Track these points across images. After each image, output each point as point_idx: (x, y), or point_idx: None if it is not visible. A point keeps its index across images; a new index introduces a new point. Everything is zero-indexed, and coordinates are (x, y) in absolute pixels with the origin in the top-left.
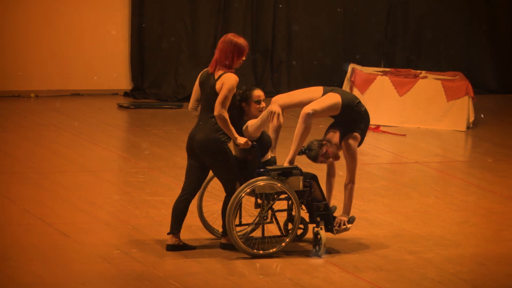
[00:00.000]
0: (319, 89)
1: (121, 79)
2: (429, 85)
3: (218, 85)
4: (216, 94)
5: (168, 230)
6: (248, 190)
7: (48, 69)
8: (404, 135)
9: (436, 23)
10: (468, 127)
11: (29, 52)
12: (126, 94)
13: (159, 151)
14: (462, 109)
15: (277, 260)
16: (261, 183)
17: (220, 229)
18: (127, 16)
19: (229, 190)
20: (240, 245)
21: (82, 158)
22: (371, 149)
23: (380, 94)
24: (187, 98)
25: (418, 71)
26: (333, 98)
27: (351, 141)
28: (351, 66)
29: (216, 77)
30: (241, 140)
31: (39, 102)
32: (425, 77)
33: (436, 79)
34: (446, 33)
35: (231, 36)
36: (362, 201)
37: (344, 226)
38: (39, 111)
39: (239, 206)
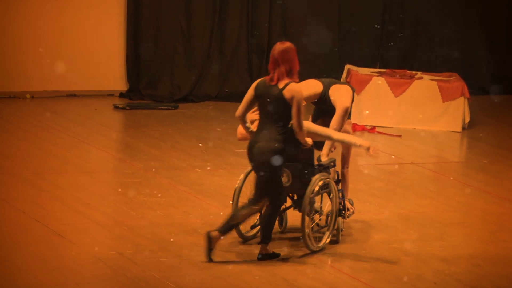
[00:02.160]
0: (316, 82)
1: (117, 80)
2: (424, 86)
3: (287, 95)
4: (285, 104)
5: (163, 232)
6: (321, 183)
7: (44, 70)
8: (400, 136)
9: (432, 23)
10: (463, 128)
11: (25, 53)
12: (121, 95)
13: (154, 152)
14: (458, 110)
15: (272, 261)
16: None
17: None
18: (123, 17)
19: (272, 200)
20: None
21: (78, 159)
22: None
23: (376, 95)
24: (182, 99)
25: (414, 72)
26: (350, 91)
27: (347, 127)
28: (346, 67)
29: (280, 86)
30: (309, 141)
31: (35, 103)
32: (421, 78)
33: (432, 80)
34: (441, 33)
35: (287, 44)
36: (358, 202)
37: (351, 210)
38: (35, 112)
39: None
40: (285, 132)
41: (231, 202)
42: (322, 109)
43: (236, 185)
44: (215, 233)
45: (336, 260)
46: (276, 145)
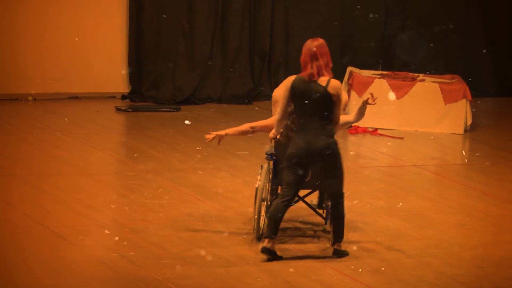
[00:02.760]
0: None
1: (119, 82)
2: (426, 88)
3: (332, 92)
4: (330, 100)
5: (165, 234)
6: None
7: (46, 72)
8: (402, 138)
9: (434, 26)
10: (465, 130)
11: (27, 55)
12: (123, 97)
13: (156, 154)
14: (460, 112)
15: (275, 262)
16: None
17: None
18: (125, 19)
19: (341, 189)
20: None
21: (80, 161)
22: (369, 152)
23: (378, 97)
24: (184, 101)
25: (416, 74)
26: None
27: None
28: (348, 69)
29: (323, 83)
30: None
31: (37, 105)
32: (423, 80)
33: (434, 82)
34: (443, 36)
35: (321, 40)
36: (360, 204)
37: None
38: (37, 114)
39: None
40: (331, 128)
41: (254, 202)
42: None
43: (257, 185)
44: (269, 244)
45: (339, 262)
46: (332, 140)
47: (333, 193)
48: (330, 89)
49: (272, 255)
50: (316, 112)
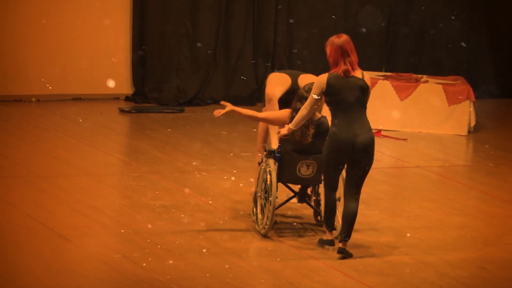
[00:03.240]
0: (283, 76)
1: (122, 84)
2: (430, 89)
3: (368, 83)
4: (368, 92)
5: (169, 235)
6: None
7: (49, 73)
8: (405, 139)
9: (437, 27)
10: (469, 132)
11: (30, 56)
12: (127, 98)
13: (160, 155)
14: (463, 114)
15: (278, 264)
16: None
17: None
18: (129, 20)
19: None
20: None
21: (83, 162)
22: None
23: (382, 99)
24: (187, 103)
25: (420, 76)
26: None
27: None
28: None
29: (360, 76)
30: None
31: (40, 107)
32: (426, 81)
33: (438, 83)
34: (447, 37)
35: (344, 36)
36: (363, 205)
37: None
38: (41, 115)
39: None
40: (367, 118)
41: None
42: (288, 100)
43: (269, 182)
44: (344, 244)
45: (342, 264)
46: (372, 133)
47: (358, 186)
48: (367, 81)
49: (347, 254)
50: (357, 104)
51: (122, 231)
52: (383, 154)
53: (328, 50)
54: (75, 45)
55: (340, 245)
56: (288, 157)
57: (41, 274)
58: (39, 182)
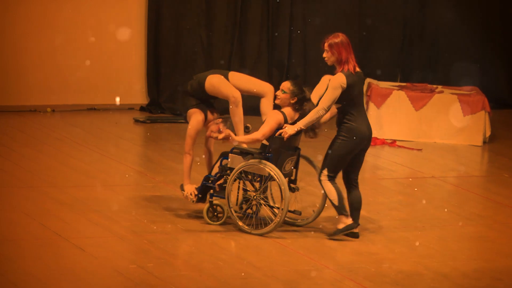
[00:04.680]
0: (222, 76)
1: (137, 94)
2: (445, 99)
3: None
4: None
5: (184, 246)
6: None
7: (65, 84)
8: (420, 149)
9: (452, 37)
10: (484, 142)
11: (45, 67)
12: (142, 108)
13: (174, 165)
14: (479, 124)
15: (293, 274)
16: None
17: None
18: (143, 31)
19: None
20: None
21: (98, 172)
22: (387, 164)
23: (396, 109)
24: None
25: (434, 86)
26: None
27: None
28: (367, 81)
29: (360, 71)
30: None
31: (56, 117)
32: (441, 91)
33: (452, 93)
34: (462, 47)
35: (342, 34)
36: (378, 216)
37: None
38: (56, 125)
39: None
40: None
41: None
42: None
43: (283, 188)
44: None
45: (357, 274)
46: None
47: (358, 173)
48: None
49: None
50: (362, 97)
51: (137, 241)
52: (398, 165)
53: (336, 50)
54: (90, 56)
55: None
56: (278, 155)
57: (56, 284)
58: (54, 192)
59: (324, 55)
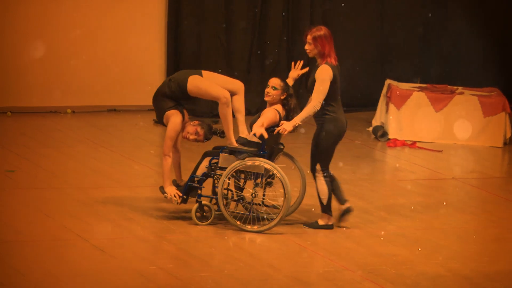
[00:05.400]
0: (200, 78)
1: None
2: (465, 101)
3: None
4: None
5: (204, 247)
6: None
7: (85, 85)
8: (441, 151)
9: (472, 38)
10: (505, 143)
11: (66, 68)
12: None
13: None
14: (499, 125)
15: (313, 276)
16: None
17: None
18: (163, 32)
19: None
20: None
21: (119, 173)
22: (408, 165)
23: (417, 110)
24: None
25: (455, 87)
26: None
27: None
28: (387, 82)
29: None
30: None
31: (76, 118)
32: (462, 93)
33: (473, 95)
34: (482, 48)
35: (324, 28)
36: (399, 217)
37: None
38: (76, 126)
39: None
40: None
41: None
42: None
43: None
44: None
45: (378, 275)
46: None
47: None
48: None
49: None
50: (339, 90)
51: (158, 242)
52: (418, 166)
53: (320, 43)
54: (110, 57)
55: (349, 205)
56: (271, 151)
57: (77, 285)
58: (75, 193)
59: (307, 47)
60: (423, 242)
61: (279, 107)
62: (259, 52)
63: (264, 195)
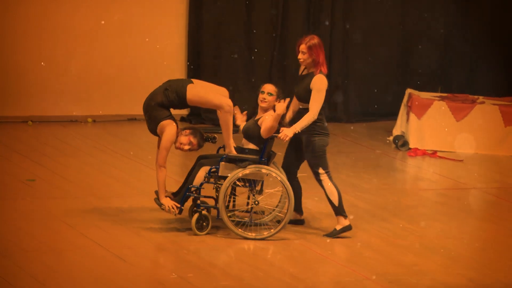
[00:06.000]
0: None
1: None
2: (486, 110)
3: None
4: None
5: (222, 255)
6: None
7: (105, 94)
8: (461, 160)
9: (493, 48)
10: None
11: (86, 78)
12: (182, 119)
13: None
14: None
15: (334, 285)
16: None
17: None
18: (184, 42)
19: None
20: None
21: (140, 182)
22: (428, 175)
23: (437, 119)
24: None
25: (476, 96)
26: None
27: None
28: (408, 91)
29: None
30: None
31: (96, 127)
32: (483, 102)
33: (494, 104)
34: (503, 58)
35: (316, 37)
36: (420, 227)
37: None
38: (97, 136)
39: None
40: None
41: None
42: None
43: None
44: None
45: (398, 285)
46: None
47: (297, 168)
48: None
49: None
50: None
51: (177, 251)
52: (439, 175)
53: (315, 52)
54: (130, 67)
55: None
56: (269, 158)
57: None
58: (96, 202)
59: (300, 56)
60: (444, 251)
61: (272, 112)
62: (282, 62)
63: (257, 202)
